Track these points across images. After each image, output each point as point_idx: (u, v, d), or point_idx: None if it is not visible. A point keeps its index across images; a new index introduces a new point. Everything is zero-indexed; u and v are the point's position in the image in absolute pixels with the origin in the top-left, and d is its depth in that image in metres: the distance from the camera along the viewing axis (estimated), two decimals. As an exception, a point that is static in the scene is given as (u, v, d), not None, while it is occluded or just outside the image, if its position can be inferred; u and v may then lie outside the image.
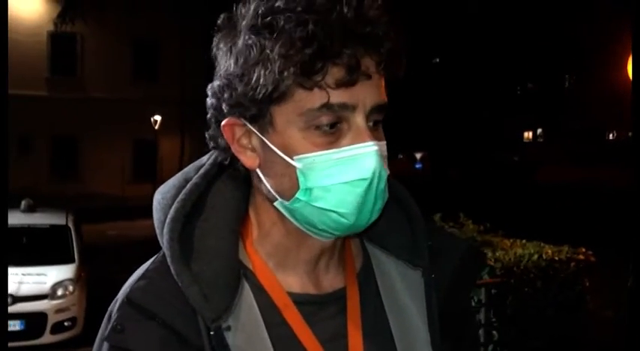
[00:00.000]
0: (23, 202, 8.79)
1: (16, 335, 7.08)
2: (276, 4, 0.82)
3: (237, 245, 0.92)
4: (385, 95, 0.87)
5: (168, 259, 0.88)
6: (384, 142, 0.88)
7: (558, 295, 6.09)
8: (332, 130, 0.83)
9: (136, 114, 21.83)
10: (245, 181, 0.94)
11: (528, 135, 37.20)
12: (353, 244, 0.99)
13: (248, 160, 0.88)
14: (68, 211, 8.87)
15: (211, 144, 0.93)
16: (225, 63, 0.86)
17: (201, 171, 0.94)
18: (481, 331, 5.72)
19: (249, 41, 0.82)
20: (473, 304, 5.74)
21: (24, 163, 21.46)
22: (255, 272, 0.92)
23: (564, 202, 16.50)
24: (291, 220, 0.88)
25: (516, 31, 20.61)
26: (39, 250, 8.08)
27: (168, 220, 0.89)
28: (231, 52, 0.85)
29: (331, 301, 0.93)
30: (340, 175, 0.83)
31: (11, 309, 7.14)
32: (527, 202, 17.80)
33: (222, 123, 0.88)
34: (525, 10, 20.17)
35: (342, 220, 0.85)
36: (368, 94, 0.83)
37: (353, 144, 0.83)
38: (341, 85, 0.80)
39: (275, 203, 0.88)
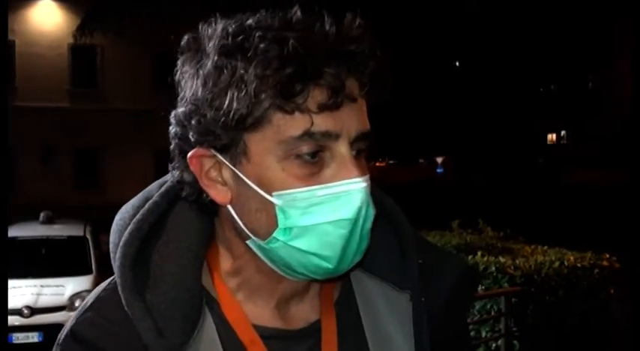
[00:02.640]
0: (42, 214, 8.89)
1: (35, 347, 7.11)
2: (248, 23, 0.76)
3: (200, 271, 0.83)
4: (368, 121, 0.79)
5: (119, 288, 0.79)
6: (368, 176, 0.79)
7: (581, 304, 5.92)
8: (314, 160, 0.75)
9: (156, 124, 21.86)
10: (212, 202, 0.84)
11: (552, 137, 36.64)
12: None
13: (218, 194, 0.79)
14: (86, 223, 8.93)
15: (176, 178, 0.83)
16: (191, 87, 0.77)
17: (163, 189, 0.85)
18: (501, 341, 5.60)
19: (220, 63, 0.74)
20: (493, 313, 5.62)
21: (47, 174, 21.79)
22: (220, 303, 0.83)
23: (589, 206, 16.18)
24: (265, 260, 0.80)
25: (538, 32, 20.37)
26: (57, 261, 8.13)
27: (121, 244, 0.80)
28: (198, 76, 0.76)
29: (304, 336, 0.84)
30: (324, 214, 0.75)
31: (30, 321, 7.20)
32: (551, 207, 17.51)
33: (189, 154, 0.78)
34: (547, 12, 19.93)
35: (324, 263, 0.77)
36: (353, 119, 0.76)
37: (338, 179, 0.75)
38: (324, 108, 0.73)
39: (248, 241, 0.80)
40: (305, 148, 0.74)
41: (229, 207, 0.79)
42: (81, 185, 22.33)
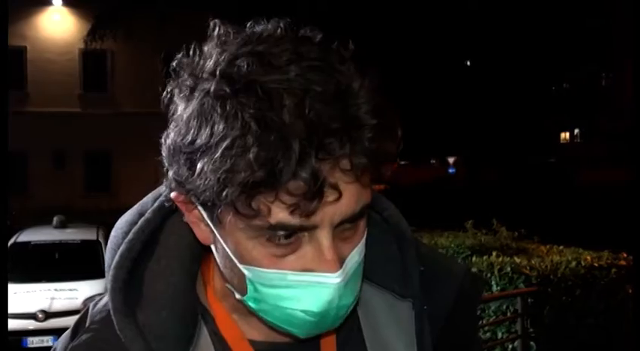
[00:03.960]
0: (55, 219, 8.95)
1: (49, 351, 7.14)
2: (237, 62, 0.65)
3: (193, 287, 0.80)
4: (369, 193, 0.69)
5: (111, 311, 0.76)
6: (360, 245, 0.72)
7: (599, 304, 5.84)
8: (288, 241, 0.67)
9: (167, 127, 22.09)
10: None
11: (565, 136, 36.38)
12: None
13: (202, 234, 0.74)
14: (99, 226, 8.96)
15: (167, 199, 0.77)
16: (175, 122, 0.68)
17: (156, 204, 0.81)
18: (518, 343, 5.54)
19: (200, 111, 0.65)
20: (509, 314, 5.56)
21: (58, 178, 21.94)
22: (215, 319, 0.80)
23: (604, 205, 16.02)
24: None
25: (550, 30, 20.24)
26: (70, 265, 8.17)
27: (112, 266, 0.78)
28: (187, 114, 0.67)
29: (302, 349, 0.80)
30: (291, 299, 0.69)
31: (44, 325, 7.23)
32: (565, 206, 17.36)
33: (172, 195, 0.72)
34: (559, 9, 19.80)
35: (294, 332, 0.73)
36: (337, 210, 0.66)
37: (311, 268, 0.68)
38: (296, 211, 0.64)
39: (227, 285, 0.76)
40: (277, 233, 0.66)
41: (212, 247, 0.75)
42: (93, 189, 22.47)
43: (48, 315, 7.31)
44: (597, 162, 26.20)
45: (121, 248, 0.78)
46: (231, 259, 0.71)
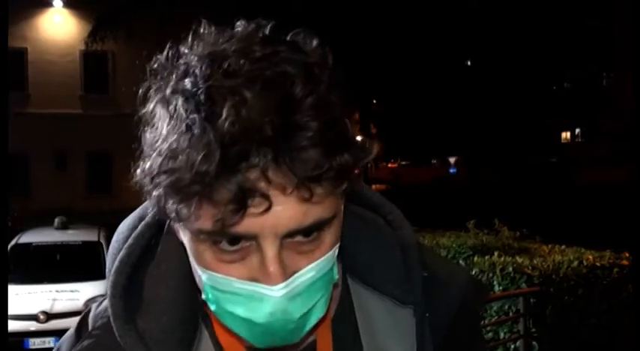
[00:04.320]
0: (57, 220, 8.94)
1: (51, 352, 7.13)
2: (195, 70, 0.65)
3: (194, 290, 0.78)
4: (326, 207, 0.66)
5: (111, 317, 0.76)
6: (319, 262, 0.68)
7: (601, 304, 5.83)
8: (234, 248, 0.66)
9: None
10: None
11: (566, 135, 36.34)
12: None
13: (177, 231, 0.74)
14: (100, 228, 8.96)
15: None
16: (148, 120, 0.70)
17: (155, 208, 0.81)
18: (520, 343, 5.53)
19: (155, 114, 0.67)
20: (511, 314, 5.55)
21: (60, 180, 21.94)
22: (212, 321, 0.79)
23: (606, 205, 16.00)
24: None
25: (551, 30, 20.22)
26: (72, 266, 8.15)
27: (112, 272, 0.77)
28: (150, 113, 0.68)
29: None
30: (239, 307, 0.68)
31: (45, 326, 7.21)
32: (567, 206, 17.34)
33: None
34: (560, 9, 19.78)
35: (251, 341, 0.72)
36: (277, 220, 0.63)
37: (255, 278, 0.66)
38: (218, 223, 0.63)
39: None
40: (220, 238, 0.65)
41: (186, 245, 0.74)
42: (94, 190, 22.46)
43: (49, 316, 7.28)
44: (598, 162, 26.17)
45: (121, 254, 0.78)
46: (192, 260, 0.71)
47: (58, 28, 22.85)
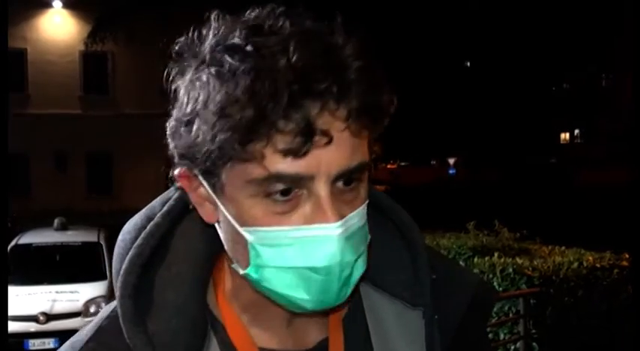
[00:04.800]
0: (56, 221, 8.94)
1: (51, 353, 7.12)
2: (234, 34, 0.68)
3: (204, 293, 0.79)
4: (365, 152, 0.70)
5: (120, 319, 0.75)
6: (360, 210, 0.71)
7: (601, 305, 5.84)
8: (286, 198, 0.68)
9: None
10: None
11: (565, 136, 36.36)
12: None
13: (205, 213, 0.74)
14: (100, 228, 8.95)
15: (178, 192, 0.79)
16: (179, 100, 0.71)
17: (165, 208, 0.80)
18: (520, 344, 5.54)
19: (196, 81, 0.68)
20: (511, 314, 5.56)
21: (59, 180, 21.92)
22: (225, 326, 0.79)
23: (605, 206, 16.00)
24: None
25: (550, 31, 20.24)
26: (72, 267, 8.14)
27: (121, 272, 0.76)
28: (174, 92, 0.71)
29: None
30: (295, 257, 0.68)
31: (45, 327, 7.21)
32: (566, 207, 17.35)
33: (176, 172, 0.73)
34: (560, 10, 19.80)
35: (300, 304, 0.71)
36: (332, 159, 0.67)
37: (311, 222, 0.68)
38: (290, 153, 0.65)
39: (232, 265, 0.75)
40: (274, 188, 0.67)
41: (217, 226, 0.75)
42: (94, 191, 22.45)
43: (49, 317, 7.28)
44: (597, 162, 26.18)
45: (131, 253, 0.77)
46: (233, 227, 0.71)
47: (57, 28, 22.85)
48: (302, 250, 0.68)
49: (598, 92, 28.42)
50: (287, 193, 0.67)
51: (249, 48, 0.66)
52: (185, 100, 0.69)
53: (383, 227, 0.85)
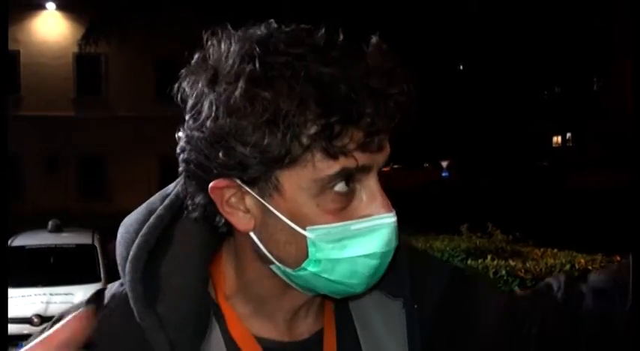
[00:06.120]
0: (50, 223, 8.89)
1: (45, 356, 7.10)
2: (280, 48, 0.72)
3: (206, 285, 0.84)
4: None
5: (131, 301, 0.79)
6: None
7: (593, 306, 5.88)
8: (346, 191, 0.75)
9: (160, 131, 22.00)
10: (227, 225, 0.83)
11: (557, 140, 36.53)
12: None
13: (239, 222, 0.78)
14: (94, 231, 8.93)
15: (188, 201, 0.82)
16: (210, 111, 0.72)
17: (166, 202, 0.84)
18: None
19: (250, 93, 0.70)
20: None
21: (52, 183, 21.85)
22: (225, 316, 0.84)
23: (597, 209, 16.10)
24: (287, 281, 0.80)
25: (542, 34, 20.35)
26: (66, 269, 8.12)
27: (130, 258, 0.80)
28: (219, 101, 0.72)
29: (308, 347, 0.86)
30: (356, 247, 0.75)
31: (39, 329, 7.19)
32: (558, 209, 17.44)
33: (212, 185, 0.76)
34: (550, 13, 19.91)
35: (349, 290, 0.79)
36: (382, 153, 0.77)
37: (370, 213, 0.76)
38: (362, 148, 0.73)
39: (272, 266, 0.79)
40: (340, 182, 0.74)
41: (252, 234, 0.78)
42: (86, 193, 22.39)
43: (43, 319, 7.25)
44: (589, 165, 26.33)
45: (138, 240, 0.81)
46: (289, 229, 0.75)
47: (51, 30, 22.79)
48: (363, 240, 0.75)
49: (590, 96, 28.57)
50: (347, 184, 0.74)
51: (334, 53, 0.73)
52: (239, 113, 0.71)
53: None
